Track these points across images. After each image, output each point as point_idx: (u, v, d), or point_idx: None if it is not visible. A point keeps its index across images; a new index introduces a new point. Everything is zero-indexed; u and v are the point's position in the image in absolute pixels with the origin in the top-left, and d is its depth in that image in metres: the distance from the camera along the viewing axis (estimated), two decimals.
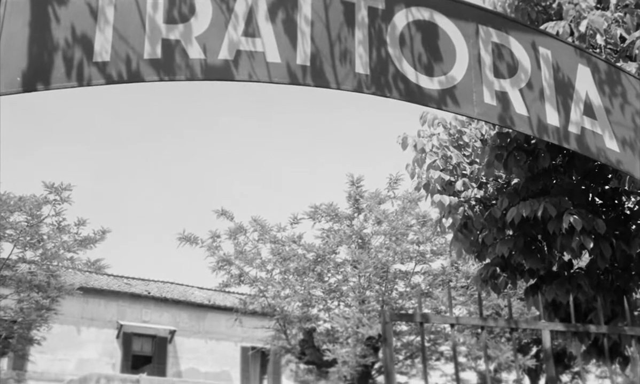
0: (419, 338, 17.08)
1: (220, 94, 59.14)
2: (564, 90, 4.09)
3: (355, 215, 17.20)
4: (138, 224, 56.72)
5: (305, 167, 59.29)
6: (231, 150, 59.09)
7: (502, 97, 3.92)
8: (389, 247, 16.45)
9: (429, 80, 3.79)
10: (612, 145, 4.13)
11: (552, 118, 4.00)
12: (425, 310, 16.24)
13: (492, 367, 19.04)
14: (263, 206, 56.93)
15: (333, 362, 15.96)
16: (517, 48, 4.04)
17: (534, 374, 20.02)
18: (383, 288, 16.65)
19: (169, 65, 3.36)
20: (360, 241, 16.87)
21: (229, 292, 26.23)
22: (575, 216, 5.70)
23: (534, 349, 19.23)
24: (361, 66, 3.68)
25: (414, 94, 3.76)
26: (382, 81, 3.71)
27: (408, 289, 16.99)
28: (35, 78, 3.17)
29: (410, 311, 16.97)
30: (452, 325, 3.79)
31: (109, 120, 53.15)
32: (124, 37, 3.31)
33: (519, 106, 3.95)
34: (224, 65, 3.44)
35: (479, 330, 16.78)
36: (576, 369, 20.61)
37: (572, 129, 4.05)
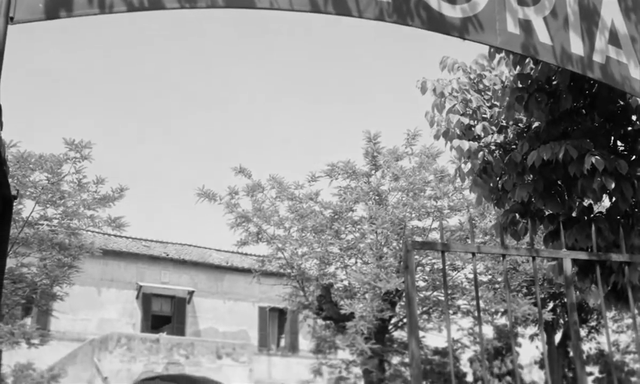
0: (435, 293, 17.15)
1: (236, 53, 58.82)
2: (589, 17, 4.02)
3: (373, 171, 17.18)
4: (155, 186, 57.09)
5: (322, 124, 59.10)
6: (247, 107, 59.00)
7: (526, 26, 3.85)
8: (406, 203, 16.44)
9: (452, 8, 3.73)
10: (637, 74, 4.06)
11: (577, 47, 3.93)
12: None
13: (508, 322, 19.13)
14: (280, 165, 57.03)
15: (350, 317, 16.09)
16: None
17: (550, 328, 20.12)
18: (400, 245, 16.68)
19: None
20: (377, 197, 16.88)
21: (246, 254, 26.49)
22: (597, 157, 5.65)
23: (551, 305, 19.30)
24: None
25: (436, 22, 3.70)
26: (404, 9, 3.65)
27: None
28: (58, 4, 3.12)
29: (428, 268, 17.05)
30: (473, 254, 3.81)
31: (124, 79, 53.16)
32: None
33: (542, 35, 3.88)
34: None
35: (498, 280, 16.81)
36: (593, 323, 20.66)
37: (597, 58, 3.98)
